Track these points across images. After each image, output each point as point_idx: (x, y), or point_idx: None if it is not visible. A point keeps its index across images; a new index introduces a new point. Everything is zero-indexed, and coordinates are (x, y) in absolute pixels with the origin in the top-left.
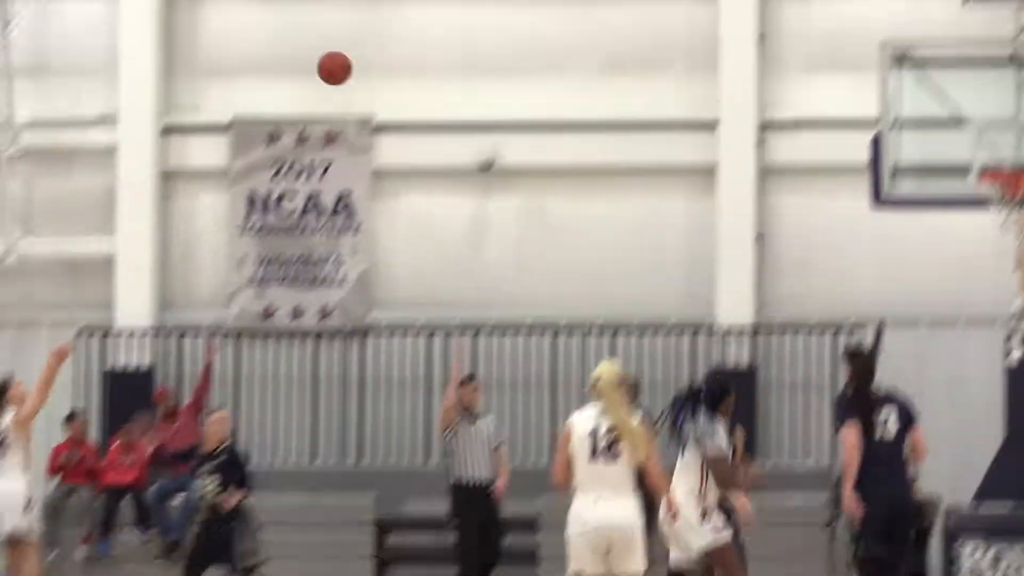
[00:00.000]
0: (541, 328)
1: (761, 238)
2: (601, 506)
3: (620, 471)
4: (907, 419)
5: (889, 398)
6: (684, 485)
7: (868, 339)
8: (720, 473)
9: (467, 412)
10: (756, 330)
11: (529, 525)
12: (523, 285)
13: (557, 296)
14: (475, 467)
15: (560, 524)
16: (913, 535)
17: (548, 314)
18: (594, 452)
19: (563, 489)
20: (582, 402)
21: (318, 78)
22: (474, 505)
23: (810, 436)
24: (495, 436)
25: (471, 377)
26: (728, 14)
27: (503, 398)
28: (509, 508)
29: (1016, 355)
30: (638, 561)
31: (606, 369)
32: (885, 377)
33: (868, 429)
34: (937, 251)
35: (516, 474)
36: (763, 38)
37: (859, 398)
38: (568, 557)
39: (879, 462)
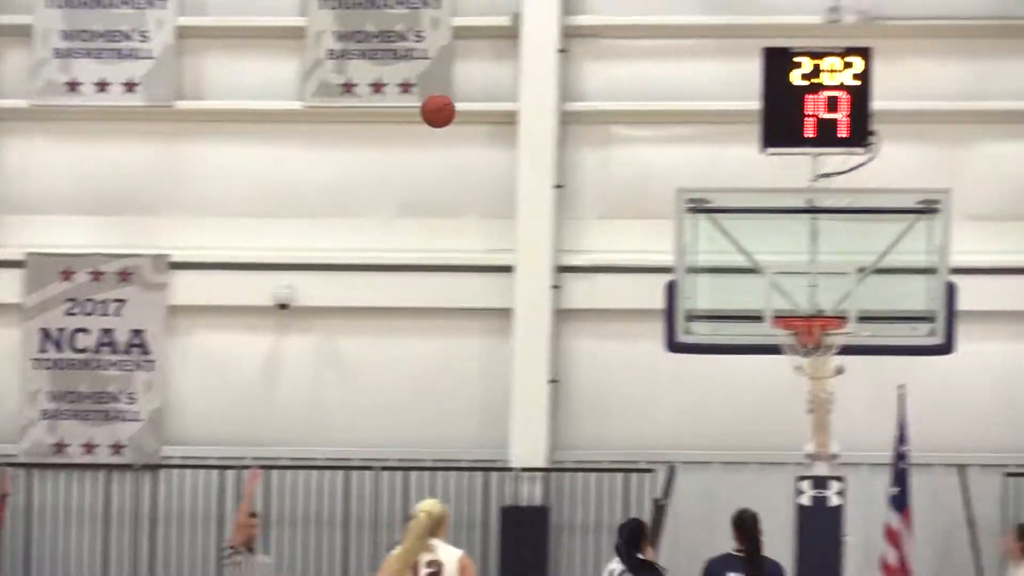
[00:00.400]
0: (334, 466)
1: (556, 380)
2: None
3: None
4: None
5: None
6: None
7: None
8: None
9: (247, 547)
10: (549, 470)
11: None
12: (317, 423)
13: (351, 434)
14: None
15: None
16: None
17: (341, 452)
18: None
19: None
20: (374, 538)
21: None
22: None
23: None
24: (273, 570)
25: (254, 514)
26: (526, 160)
27: (295, 534)
28: None
29: (807, 495)
30: None
31: (428, 505)
32: (678, 519)
33: None
34: (731, 394)
35: None
36: (561, 184)
37: (724, 559)
38: None
39: None
